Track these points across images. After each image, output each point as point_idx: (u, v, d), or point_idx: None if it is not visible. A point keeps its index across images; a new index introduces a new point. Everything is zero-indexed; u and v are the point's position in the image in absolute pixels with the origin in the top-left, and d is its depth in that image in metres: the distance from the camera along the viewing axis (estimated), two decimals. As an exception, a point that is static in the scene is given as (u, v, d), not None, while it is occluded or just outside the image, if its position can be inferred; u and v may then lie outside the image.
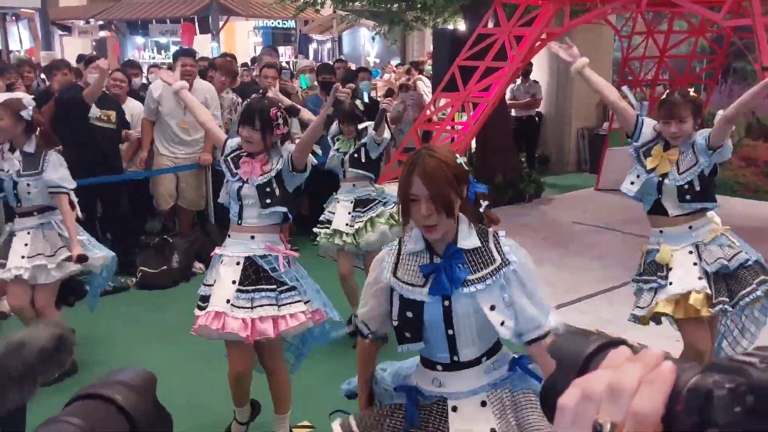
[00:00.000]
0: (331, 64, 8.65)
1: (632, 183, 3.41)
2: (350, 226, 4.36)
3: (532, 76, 9.56)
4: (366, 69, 9.22)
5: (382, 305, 2.15)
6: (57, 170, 3.83)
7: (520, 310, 2.01)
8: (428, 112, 7.14)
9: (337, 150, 4.51)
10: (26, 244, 3.82)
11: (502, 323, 1.99)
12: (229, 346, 3.16)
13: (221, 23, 17.50)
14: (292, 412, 3.43)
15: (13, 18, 15.91)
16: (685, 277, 3.21)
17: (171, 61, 15.57)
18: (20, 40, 16.21)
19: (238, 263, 3.09)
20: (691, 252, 3.26)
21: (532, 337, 2.03)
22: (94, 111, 5.69)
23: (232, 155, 3.22)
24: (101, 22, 18.92)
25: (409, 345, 2.09)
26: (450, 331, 2.04)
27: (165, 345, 4.44)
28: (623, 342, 0.56)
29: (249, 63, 12.11)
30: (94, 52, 17.98)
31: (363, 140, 4.41)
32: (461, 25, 10.29)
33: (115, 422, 0.65)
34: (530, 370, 2.11)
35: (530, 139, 9.72)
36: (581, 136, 10.30)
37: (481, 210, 2.13)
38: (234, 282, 3.05)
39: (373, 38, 17.02)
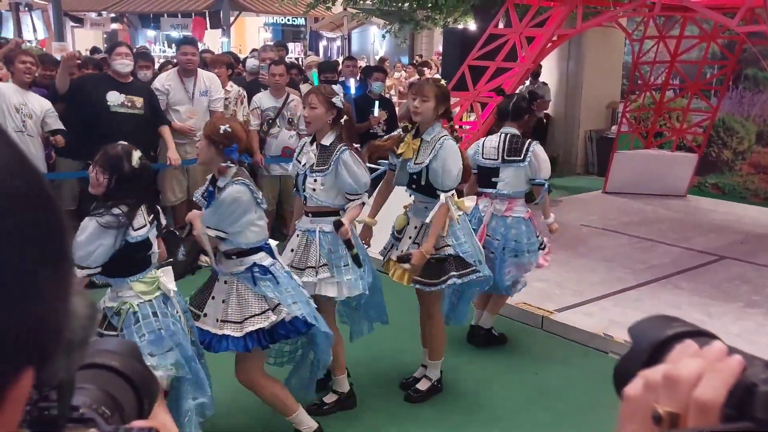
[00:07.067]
0: (335, 62, 8.54)
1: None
2: None
3: (542, 78, 9.55)
4: (381, 68, 8.06)
5: None
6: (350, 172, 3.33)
7: None
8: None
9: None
10: (292, 250, 3.48)
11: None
12: None
13: (232, 18, 17.53)
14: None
15: (26, 8, 15.98)
16: (402, 248, 3.66)
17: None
18: (34, 30, 16.26)
19: None
20: (416, 227, 3.68)
21: None
22: (115, 97, 5.49)
23: None
24: (113, 15, 18.99)
25: None
26: None
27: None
28: (705, 333, 0.54)
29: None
30: (106, 45, 18.05)
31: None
32: (471, 25, 10.29)
33: (119, 383, 0.70)
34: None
35: (538, 140, 9.70)
36: (589, 138, 10.28)
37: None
38: None
39: (383, 36, 17.00)
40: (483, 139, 4.43)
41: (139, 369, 0.74)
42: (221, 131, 3.03)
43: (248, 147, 3.21)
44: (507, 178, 4.19)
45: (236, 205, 3.01)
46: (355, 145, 3.49)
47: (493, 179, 4.22)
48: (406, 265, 3.53)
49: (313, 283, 3.36)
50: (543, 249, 4.35)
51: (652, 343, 0.54)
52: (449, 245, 3.60)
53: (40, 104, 5.32)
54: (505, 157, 4.19)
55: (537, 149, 4.22)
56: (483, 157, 4.24)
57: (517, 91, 5.73)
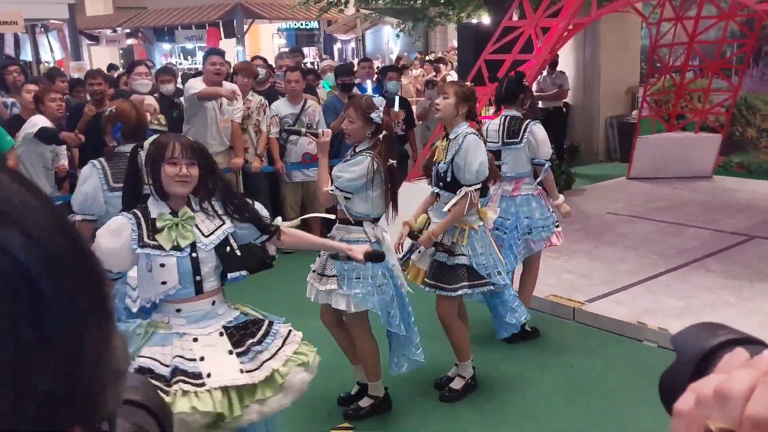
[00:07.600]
0: (350, 64, 8.49)
1: None
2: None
3: (558, 67, 9.48)
4: (395, 67, 8.27)
5: None
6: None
7: None
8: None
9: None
10: (319, 255, 3.55)
11: None
12: None
13: (246, 27, 17.63)
14: (331, 413, 3.50)
15: (42, 29, 16.20)
16: (424, 251, 3.74)
17: (198, 66, 15.63)
18: (51, 50, 16.49)
19: None
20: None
21: None
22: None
23: None
24: (128, 30, 19.18)
25: None
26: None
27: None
28: (754, 340, 0.52)
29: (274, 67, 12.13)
30: (122, 61, 18.25)
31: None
32: (485, 19, 10.25)
33: (143, 415, 0.73)
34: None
35: (558, 130, 9.63)
36: (610, 125, 10.19)
37: None
38: None
39: (397, 35, 17.00)
40: (488, 122, 4.50)
41: (155, 398, 0.76)
42: (107, 113, 3.41)
43: (137, 127, 3.43)
44: (508, 161, 4.32)
45: (85, 186, 3.41)
46: (391, 161, 3.38)
47: (496, 162, 4.28)
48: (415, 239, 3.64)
49: (328, 293, 3.32)
50: (557, 227, 4.37)
51: (699, 354, 0.52)
52: (464, 254, 3.62)
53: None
54: (505, 140, 4.29)
55: (535, 129, 4.27)
56: (487, 141, 4.30)
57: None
